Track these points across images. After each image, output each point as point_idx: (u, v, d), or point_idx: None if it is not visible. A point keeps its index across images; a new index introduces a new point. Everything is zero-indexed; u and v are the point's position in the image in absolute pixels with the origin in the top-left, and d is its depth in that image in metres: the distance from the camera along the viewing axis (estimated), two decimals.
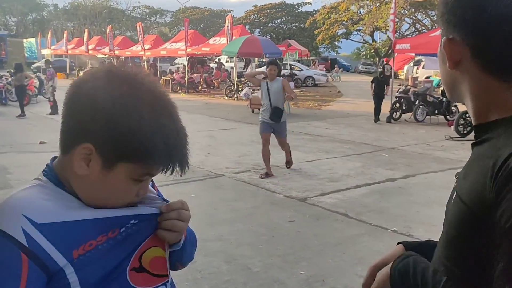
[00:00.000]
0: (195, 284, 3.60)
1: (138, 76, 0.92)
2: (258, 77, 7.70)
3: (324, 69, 34.86)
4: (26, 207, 0.83)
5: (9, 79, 18.15)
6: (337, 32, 43.10)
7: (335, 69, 36.04)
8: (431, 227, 4.99)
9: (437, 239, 1.00)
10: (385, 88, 13.79)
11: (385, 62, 25.49)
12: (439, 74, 0.96)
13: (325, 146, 9.71)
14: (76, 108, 0.89)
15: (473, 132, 0.90)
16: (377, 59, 44.18)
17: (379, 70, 24.56)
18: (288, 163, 7.64)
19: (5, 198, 0.86)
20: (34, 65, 38.99)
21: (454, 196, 0.87)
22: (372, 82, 13.66)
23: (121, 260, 0.91)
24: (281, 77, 7.48)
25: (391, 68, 26.41)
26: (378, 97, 13.43)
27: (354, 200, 6.00)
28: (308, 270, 3.93)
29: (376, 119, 13.40)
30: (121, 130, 0.85)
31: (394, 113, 13.72)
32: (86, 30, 36.18)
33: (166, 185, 6.30)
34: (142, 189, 0.94)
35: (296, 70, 27.93)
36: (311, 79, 28.32)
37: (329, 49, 57.12)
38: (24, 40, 51.58)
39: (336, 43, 52.97)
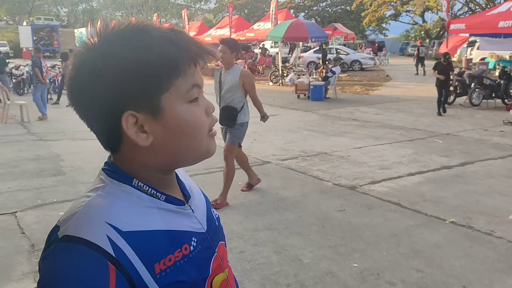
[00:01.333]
0: (244, 275, 3.52)
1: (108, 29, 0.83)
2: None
3: (371, 53, 33.93)
4: (107, 214, 0.76)
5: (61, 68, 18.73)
6: (385, 14, 41.86)
7: (383, 52, 34.96)
8: (492, 218, 4.70)
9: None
10: (451, 74, 11.76)
11: (419, 44, 25.48)
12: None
13: (375, 132, 9.39)
14: (94, 92, 0.78)
15: None
16: (427, 40, 42.60)
17: (419, 52, 24.29)
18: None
19: (75, 208, 0.78)
20: None
21: None
22: (434, 68, 11.86)
23: (195, 283, 0.85)
24: (240, 66, 5.28)
25: (426, 49, 26.13)
26: (442, 86, 11.64)
27: (407, 188, 5.74)
28: (361, 262, 3.76)
29: (439, 112, 11.61)
30: (139, 72, 0.77)
31: (448, 97, 13.10)
32: (133, 18, 36.73)
33: (212, 172, 6.31)
34: (207, 106, 0.86)
35: (342, 54, 27.28)
36: (357, 63, 27.59)
37: (376, 32, 55.62)
38: (75, 30, 53.16)
39: (383, 25, 51.52)
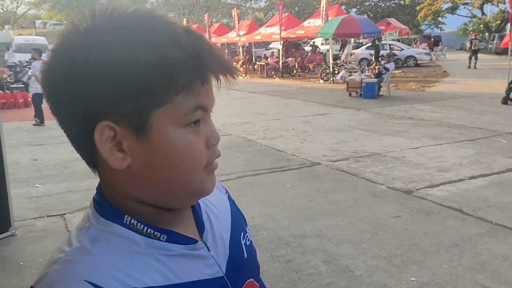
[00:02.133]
0: (291, 287, 3.31)
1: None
2: None
3: (427, 48, 32.68)
4: (89, 269, 0.59)
5: None
6: (442, 7, 40.20)
7: (440, 47, 33.56)
8: None
9: None
10: None
11: (473, 37, 24.83)
12: None
13: (432, 131, 8.89)
14: (70, 91, 0.59)
15: None
16: (486, 34, 40.53)
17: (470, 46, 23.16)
18: None
19: (48, 264, 0.61)
20: None
21: None
22: None
23: None
24: None
25: (479, 42, 25.38)
26: None
27: (469, 193, 5.31)
28: (419, 276, 3.46)
29: None
30: (130, 76, 0.57)
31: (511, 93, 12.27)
32: (184, 19, 37.41)
33: (259, 174, 6.13)
34: (211, 136, 0.65)
35: (396, 50, 26.41)
36: (412, 59, 26.63)
37: (432, 26, 53.63)
38: None
39: (440, 19, 49.54)
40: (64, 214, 4.82)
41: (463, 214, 4.67)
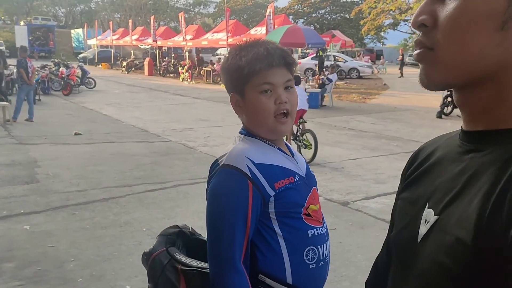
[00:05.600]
0: None
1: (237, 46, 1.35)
2: None
3: (369, 61, 33.73)
4: (246, 152, 1.24)
5: (53, 69, 18.32)
6: (384, 23, 41.62)
7: (381, 60, 34.74)
8: None
9: None
10: None
11: (400, 52, 30.69)
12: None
13: (370, 143, 9.05)
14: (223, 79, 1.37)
15: None
16: None
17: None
18: None
19: (228, 149, 1.27)
20: (80, 55, 39.95)
21: None
22: None
23: (297, 202, 1.27)
24: None
25: (403, 56, 29.95)
26: None
27: None
28: None
29: None
30: (233, 73, 1.29)
31: (445, 107, 12.79)
32: (130, 20, 36.50)
33: (197, 183, 5.91)
34: (277, 98, 1.25)
35: (340, 61, 27.03)
36: (355, 71, 27.37)
37: (375, 40, 55.50)
38: (72, 31, 52.82)
39: (382, 34, 51.34)
40: None
41: None
